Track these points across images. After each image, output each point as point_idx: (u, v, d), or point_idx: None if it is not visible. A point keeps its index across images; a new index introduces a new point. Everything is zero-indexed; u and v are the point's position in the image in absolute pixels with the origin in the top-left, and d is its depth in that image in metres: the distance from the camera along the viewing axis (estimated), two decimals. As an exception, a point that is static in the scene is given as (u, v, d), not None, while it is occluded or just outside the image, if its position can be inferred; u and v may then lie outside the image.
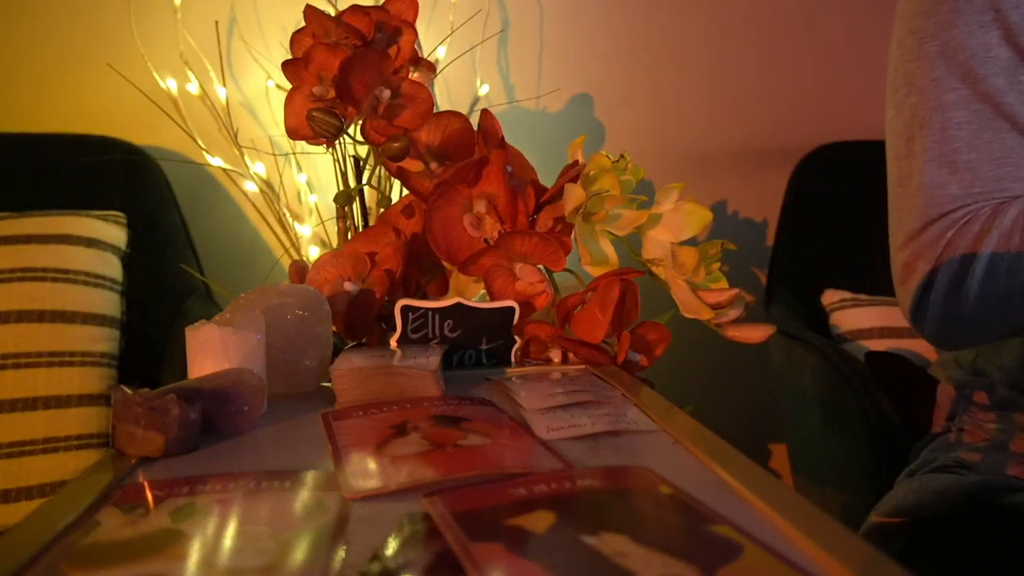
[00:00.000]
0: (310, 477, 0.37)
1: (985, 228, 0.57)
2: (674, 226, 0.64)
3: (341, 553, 0.29)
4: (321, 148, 0.70)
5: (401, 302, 0.59)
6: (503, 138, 0.68)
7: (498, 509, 0.31)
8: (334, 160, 0.91)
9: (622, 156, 0.67)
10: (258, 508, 0.33)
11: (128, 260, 1.07)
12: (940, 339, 0.63)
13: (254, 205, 1.21)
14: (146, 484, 0.36)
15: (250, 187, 1.18)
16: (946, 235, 0.59)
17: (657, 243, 0.65)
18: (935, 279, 0.60)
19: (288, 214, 1.19)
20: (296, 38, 0.69)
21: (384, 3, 0.71)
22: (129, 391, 0.41)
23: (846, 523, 0.29)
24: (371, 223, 0.78)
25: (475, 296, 0.68)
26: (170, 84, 1.19)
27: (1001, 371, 0.69)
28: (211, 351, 0.47)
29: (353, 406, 0.48)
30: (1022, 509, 0.56)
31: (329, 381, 0.54)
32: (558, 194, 0.64)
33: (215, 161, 1.18)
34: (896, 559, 0.27)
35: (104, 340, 0.99)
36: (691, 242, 0.63)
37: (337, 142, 0.68)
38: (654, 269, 0.65)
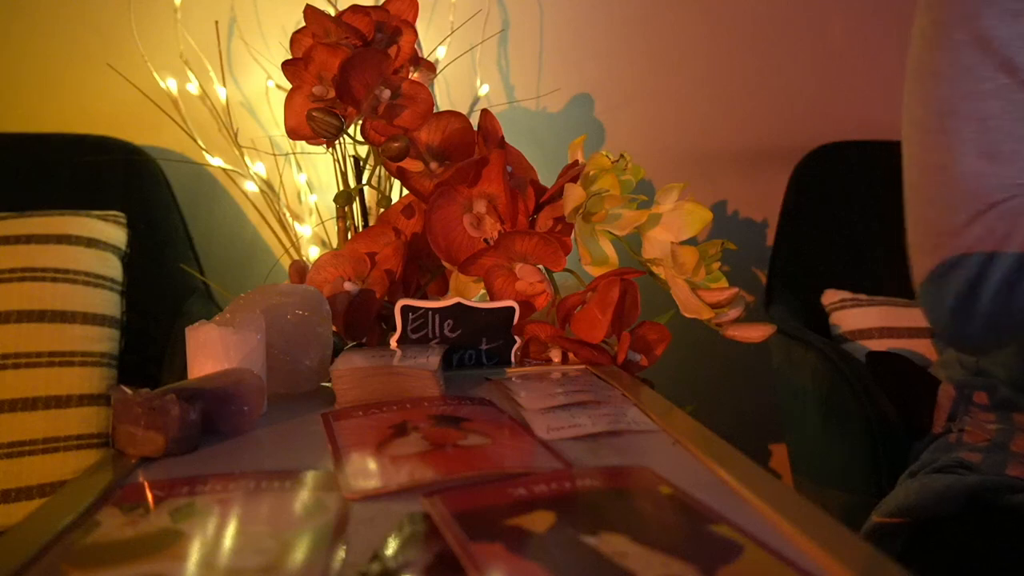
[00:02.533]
0: (310, 477, 0.37)
1: None
2: (674, 226, 0.64)
3: (341, 553, 0.29)
4: (321, 148, 0.70)
5: (401, 302, 0.59)
6: (503, 138, 0.68)
7: (498, 509, 0.31)
8: (334, 160, 0.91)
9: (622, 156, 0.67)
10: (258, 508, 0.33)
11: (128, 260, 1.07)
12: (986, 340, 0.60)
13: (254, 205, 1.21)
14: (146, 484, 0.36)
15: (250, 187, 1.18)
16: (997, 228, 0.56)
17: (657, 243, 0.65)
18: (986, 276, 0.57)
19: (288, 214, 1.19)
20: (296, 38, 0.69)
21: (384, 3, 0.71)
22: (129, 391, 0.41)
23: (846, 523, 0.29)
24: (371, 223, 0.78)
25: (475, 296, 0.68)
26: (170, 84, 1.19)
27: (1006, 369, 0.68)
28: (211, 351, 0.47)
29: (353, 406, 0.49)
30: (1023, 509, 0.56)
31: (329, 381, 0.54)
32: (558, 194, 0.64)
33: (215, 161, 1.18)
34: (897, 559, 0.27)
35: (104, 340, 0.99)
36: (691, 242, 0.63)
37: (337, 142, 0.68)
38: (654, 269, 0.65)
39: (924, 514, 0.60)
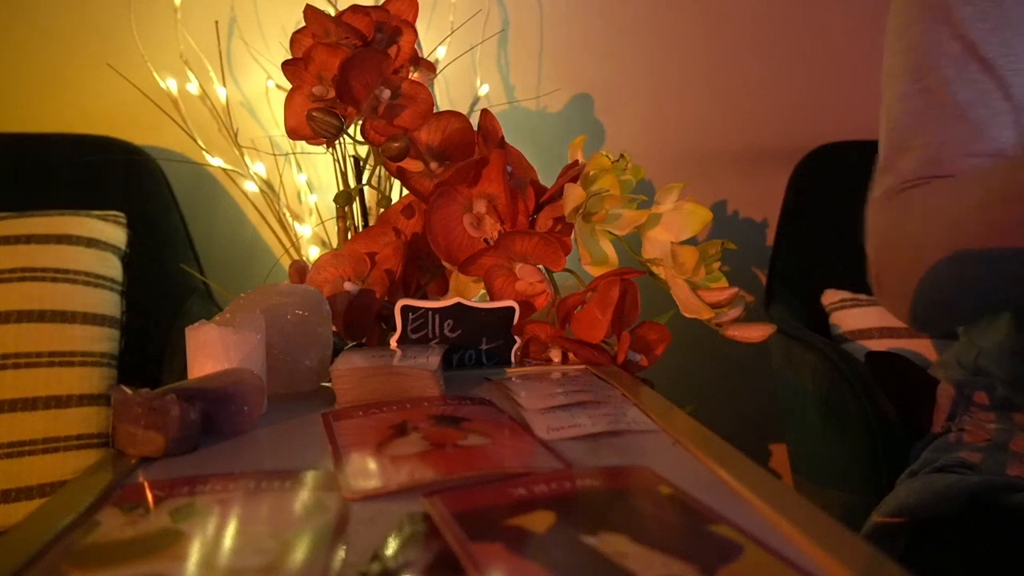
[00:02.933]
0: (310, 477, 0.37)
1: (922, 206, 0.61)
2: (674, 226, 0.64)
3: (341, 553, 0.29)
4: (321, 148, 0.70)
5: (401, 302, 0.59)
6: (503, 138, 0.68)
7: (498, 509, 0.31)
8: (334, 160, 0.91)
9: (622, 156, 0.67)
10: (258, 508, 0.33)
11: (128, 260, 1.07)
12: (902, 313, 0.66)
13: (254, 205, 1.21)
14: (146, 484, 0.36)
15: (250, 187, 1.18)
16: (887, 208, 0.64)
17: (657, 243, 0.65)
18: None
19: (288, 214, 1.19)
20: (296, 38, 0.69)
21: (384, 3, 0.71)
22: (129, 391, 0.41)
23: (846, 523, 0.29)
24: (371, 223, 0.78)
25: (475, 296, 0.68)
26: (170, 84, 1.19)
27: (1003, 371, 0.68)
28: (211, 351, 0.47)
29: (353, 406, 0.48)
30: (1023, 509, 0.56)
31: (329, 381, 0.54)
32: (558, 194, 0.64)
33: (215, 161, 1.18)
34: (898, 559, 0.27)
35: (104, 340, 0.99)
36: (691, 242, 0.63)
37: (337, 142, 0.68)
38: (654, 269, 0.65)
39: (925, 514, 0.60)
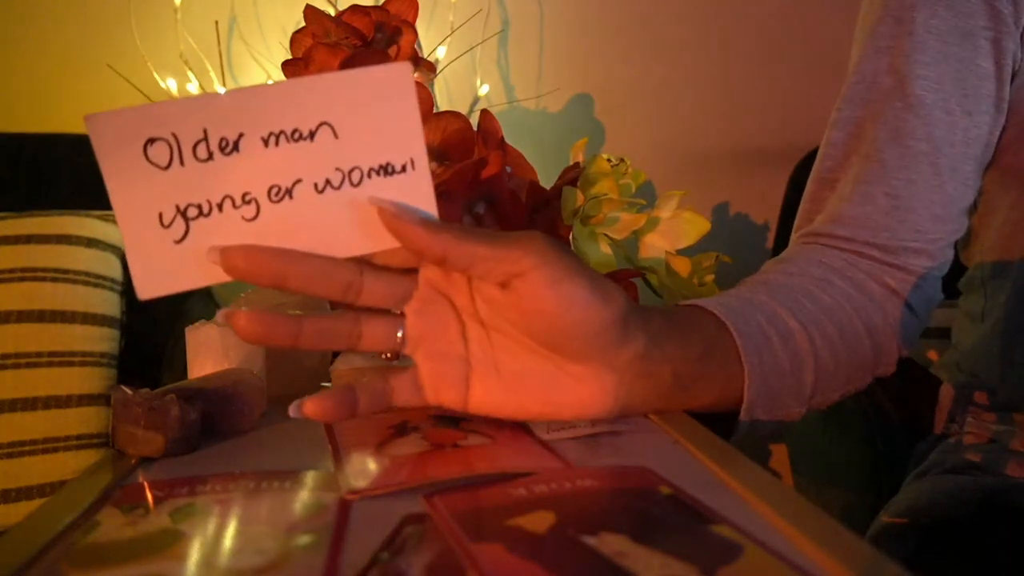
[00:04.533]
0: (310, 477, 0.37)
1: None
2: (671, 234, 0.64)
3: (341, 553, 0.29)
4: (321, 148, 0.70)
5: (401, 302, 0.59)
6: (503, 138, 0.68)
7: (498, 509, 0.31)
8: (334, 160, 0.91)
9: (622, 160, 0.67)
10: (258, 508, 0.33)
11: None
12: None
13: (254, 205, 1.21)
14: (146, 484, 0.36)
15: (250, 187, 1.18)
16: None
17: (653, 249, 0.65)
18: None
19: (288, 214, 1.19)
20: (296, 38, 0.69)
21: (384, 3, 0.71)
22: (129, 391, 0.41)
23: (846, 523, 0.29)
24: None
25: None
26: (170, 84, 1.19)
27: (991, 376, 0.68)
28: (211, 351, 0.47)
29: (353, 406, 0.48)
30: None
31: (329, 381, 0.54)
32: (557, 195, 0.64)
33: (215, 161, 1.18)
34: (908, 560, 0.27)
35: (104, 340, 0.99)
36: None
37: (337, 142, 0.68)
38: (649, 276, 0.65)
39: (935, 515, 0.60)
